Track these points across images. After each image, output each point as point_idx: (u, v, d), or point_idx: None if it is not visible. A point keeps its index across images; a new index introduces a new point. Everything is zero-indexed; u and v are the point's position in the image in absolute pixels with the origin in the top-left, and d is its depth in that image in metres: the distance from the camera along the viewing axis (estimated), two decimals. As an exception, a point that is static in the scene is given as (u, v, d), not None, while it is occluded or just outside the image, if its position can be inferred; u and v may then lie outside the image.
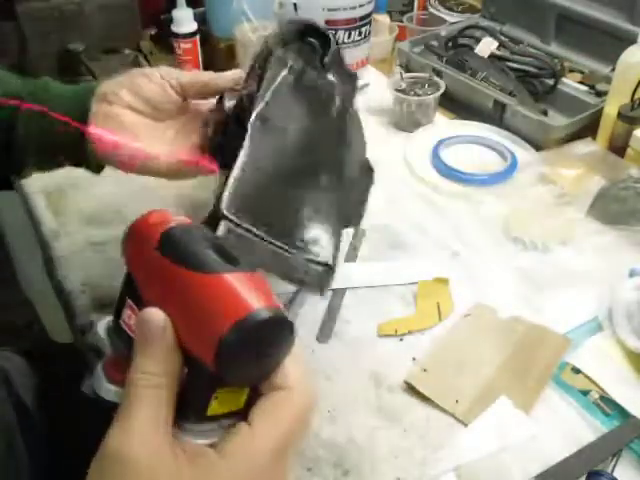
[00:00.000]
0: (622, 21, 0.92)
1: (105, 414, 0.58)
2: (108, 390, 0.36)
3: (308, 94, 0.60)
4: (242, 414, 0.34)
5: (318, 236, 0.53)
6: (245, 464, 0.32)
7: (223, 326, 0.30)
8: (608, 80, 0.90)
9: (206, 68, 1.05)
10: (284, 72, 0.59)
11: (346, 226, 0.60)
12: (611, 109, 0.84)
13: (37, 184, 0.85)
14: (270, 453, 0.32)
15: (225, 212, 0.46)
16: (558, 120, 0.91)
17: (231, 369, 0.31)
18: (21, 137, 0.56)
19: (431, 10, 1.19)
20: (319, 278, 0.52)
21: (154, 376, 0.32)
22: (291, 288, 0.68)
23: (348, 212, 0.60)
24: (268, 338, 0.32)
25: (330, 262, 0.52)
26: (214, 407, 0.33)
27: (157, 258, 0.34)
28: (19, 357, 0.74)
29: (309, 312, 0.67)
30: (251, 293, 0.31)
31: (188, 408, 0.33)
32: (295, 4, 1.03)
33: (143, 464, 0.30)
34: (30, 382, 0.71)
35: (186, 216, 0.37)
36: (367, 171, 0.67)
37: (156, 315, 0.33)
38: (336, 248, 0.54)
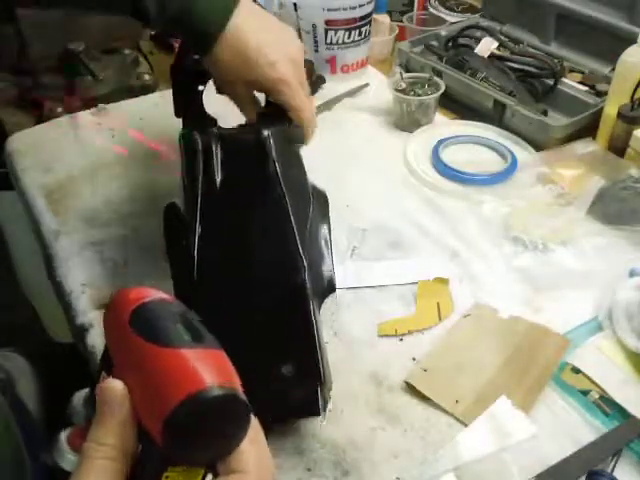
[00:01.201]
0: (622, 21, 0.92)
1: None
2: (69, 460, 0.36)
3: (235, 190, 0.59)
4: None
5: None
6: None
7: (173, 400, 0.30)
8: (608, 80, 0.90)
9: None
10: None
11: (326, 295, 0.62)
12: (611, 109, 0.84)
13: (37, 184, 0.85)
14: None
15: None
16: (558, 120, 0.91)
17: (179, 445, 0.31)
18: None
19: (431, 10, 1.19)
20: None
21: (106, 447, 0.31)
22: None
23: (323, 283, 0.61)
24: (220, 417, 0.31)
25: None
26: None
27: (126, 330, 0.33)
28: (20, 357, 0.74)
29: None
30: (207, 370, 0.31)
31: None
32: (295, 4, 1.04)
33: None
34: (30, 382, 0.71)
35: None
36: (322, 205, 0.66)
37: (115, 386, 0.32)
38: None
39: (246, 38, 0.62)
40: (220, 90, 0.71)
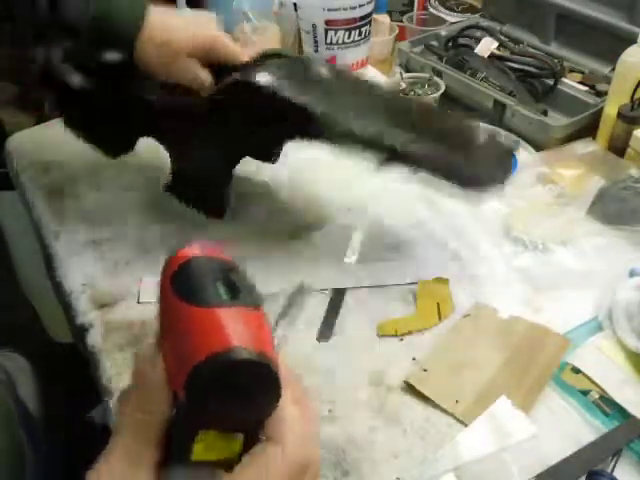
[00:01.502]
0: (622, 21, 0.92)
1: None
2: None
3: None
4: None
5: None
6: None
7: (196, 358, 0.29)
8: (608, 80, 0.90)
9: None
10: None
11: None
12: (611, 109, 0.84)
13: (37, 184, 0.85)
14: None
15: None
16: (558, 120, 0.91)
17: (201, 403, 0.30)
18: None
19: (431, 10, 1.19)
20: None
21: (137, 412, 0.32)
22: (290, 288, 0.69)
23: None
24: (244, 381, 0.30)
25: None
26: (199, 452, 0.32)
27: (167, 291, 0.33)
28: (20, 357, 0.74)
29: (309, 312, 0.67)
30: (236, 331, 0.30)
31: (174, 450, 0.32)
32: (295, 4, 1.04)
33: None
34: (30, 382, 0.71)
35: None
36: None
37: (146, 350, 0.33)
38: None
39: (169, 22, 0.68)
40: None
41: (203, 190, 0.75)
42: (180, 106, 0.70)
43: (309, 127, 0.63)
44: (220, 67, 0.70)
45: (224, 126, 0.69)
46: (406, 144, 0.63)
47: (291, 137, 0.69)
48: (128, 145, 0.76)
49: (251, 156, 0.74)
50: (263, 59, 0.70)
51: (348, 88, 0.70)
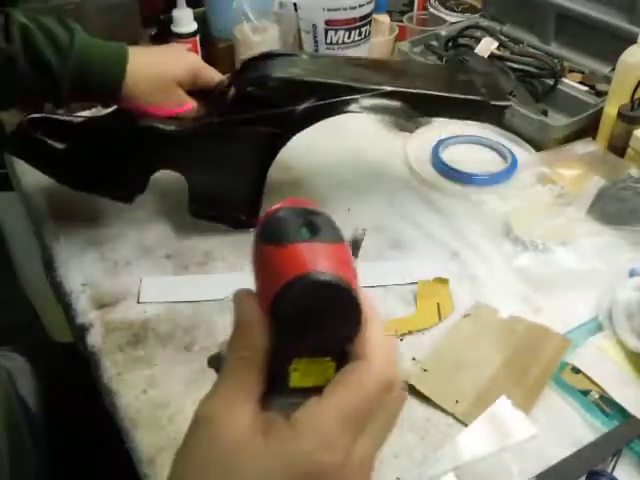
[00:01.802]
0: (622, 21, 0.92)
1: (105, 414, 0.57)
2: None
3: None
4: None
5: None
6: (310, 435, 0.31)
7: (281, 282, 0.31)
8: (608, 80, 0.90)
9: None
10: None
11: None
12: (611, 109, 0.84)
13: (37, 184, 0.85)
14: (336, 425, 0.31)
15: None
16: (558, 120, 0.91)
17: (286, 328, 0.32)
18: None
19: (431, 10, 1.19)
20: None
21: (240, 349, 0.33)
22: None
23: None
24: (325, 303, 0.32)
25: None
26: (296, 379, 0.34)
27: (257, 239, 0.35)
28: (20, 357, 0.74)
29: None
30: (316, 259, 0.32)
31: (274, 381, 0.34)
32: (295, 4, 1.04)
33: (218, 426, 0.32)
34: (30, 381, 0.71)
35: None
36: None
37: (241, 290, 0.35)
38: None
39: (152, 58, 0.74)
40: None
41: (231, 207, 0.76)
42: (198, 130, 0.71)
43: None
44: (203, 91, 0.76)
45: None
46: (392, 84, 0.70)
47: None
48: (142, 185, 0.75)
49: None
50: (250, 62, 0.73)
51: (333, 62, 0.78)
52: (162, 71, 0.73)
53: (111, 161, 0.72)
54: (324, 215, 0.35)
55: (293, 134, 0.71)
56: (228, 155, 0.71)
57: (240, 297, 0.35)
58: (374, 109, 0.69)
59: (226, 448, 0.31)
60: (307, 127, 0.70)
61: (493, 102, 0.72)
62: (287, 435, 0.31)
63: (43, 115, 0.70)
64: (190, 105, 0.75)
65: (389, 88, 0.69)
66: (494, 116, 0.74)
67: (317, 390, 0.33)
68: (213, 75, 0.77)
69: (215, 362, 0.38)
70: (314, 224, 0.34)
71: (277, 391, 0.34)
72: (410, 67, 0.88)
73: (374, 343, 0.34)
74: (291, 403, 0.33)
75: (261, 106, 0.68)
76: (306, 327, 0.32)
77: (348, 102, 0.68)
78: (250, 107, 0.68)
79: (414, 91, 0.71)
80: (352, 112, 0.69)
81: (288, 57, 0.75)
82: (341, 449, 0.31)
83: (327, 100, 0.68)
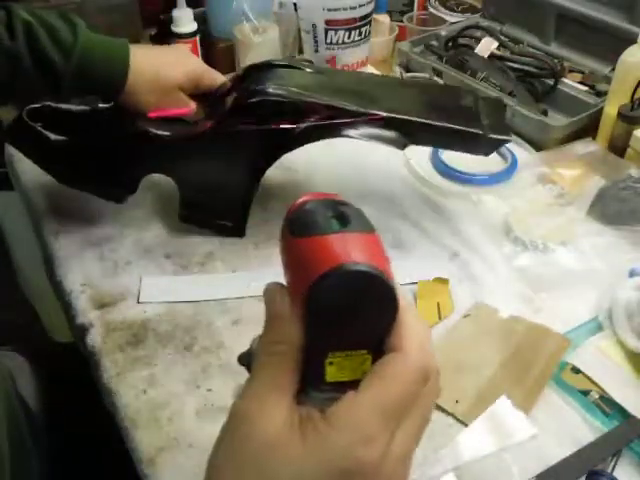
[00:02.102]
0: (622, 21, 0.92)
1: (105, 414, 0.57)
2: None
3: None
4: None
5: None
6: (347, 430, 0.30)
7: (313, 278, 0.31)
8: (608, 80, 0.90)
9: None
10: None
11: None
12: (611, 109, 0.84)
13: (37, 183, 0.85)
14: (374, 419, 0.31)
15: None
16: (558, 120, 0.91)
17: (321, 321, 0.32)
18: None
19: (431, 10, 1.19)
20: None
21: (273, 344, 0.33)
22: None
23: None
24: (360, 293, 0.31)
25: None
26: (332, 373, 0.33)
27: (285, 233, 0.35)
28: (19, 356, 0.74)
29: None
30: (348, 249, 0.31)
31: (309, 375, 0.33)
32: (295, 4, 1.04)
33: (252, 423, 0.31)
34: (30, 381, 0.71)
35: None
36: None
37: (272, 285, 0.34)
38: None
39: (155, 59, 0.74)
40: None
41: (221, 213, 0.76)
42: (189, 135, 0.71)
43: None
44: (205, 94, 0.76)
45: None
46: (390, 109, 0.68)
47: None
48: (133, 186, 0.75)
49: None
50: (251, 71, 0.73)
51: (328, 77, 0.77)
52: (163, 73, 0.73)
53: (104, 159, 0.72)
54: (352, 206, 0.35)
55: (284, 152, 0.71)
56: (220, 164, 0.71)
57: (271, 291, 0.34)
58: (369, 137, 0.68)
59: (261, 445, 0.31)
60: (300, 146, 0.70)
61: (493, 136, 0.69)
62: (323, 430, 0.31)
63: (43, 104, 0.69)
64: (188, 109, 0.75)
65: (384, 114, 0.67)
66: (491, 148, 0.71)
67: (354, 384, 0.33)
68: (215, 78, 0.77)
69: (245, 359, 0.37)
70: (344, 215, 0.34)
71: (313, 386, 0.33)
72: (415, 87, 0.84)
73: (409, 334, 0.33)
74: (327, 398, 0.33)
75: (256, 120, 0.67)
76: (341, 319, 0.32)
77: (340, 127, 0.67)
78: (245, 119, 0.68)
79: (411, 119, 0.68)
80: (345, 137, 0.68)
81: (291, 70, 0.74)
82: (379, 444, 0.31)
83: (320, 122, 0.67)
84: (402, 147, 0.69)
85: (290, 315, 0.33)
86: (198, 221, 0.76)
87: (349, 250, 0.31)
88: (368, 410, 0.31)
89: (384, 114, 0.67)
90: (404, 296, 0.34)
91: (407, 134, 0.68)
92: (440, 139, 0.71)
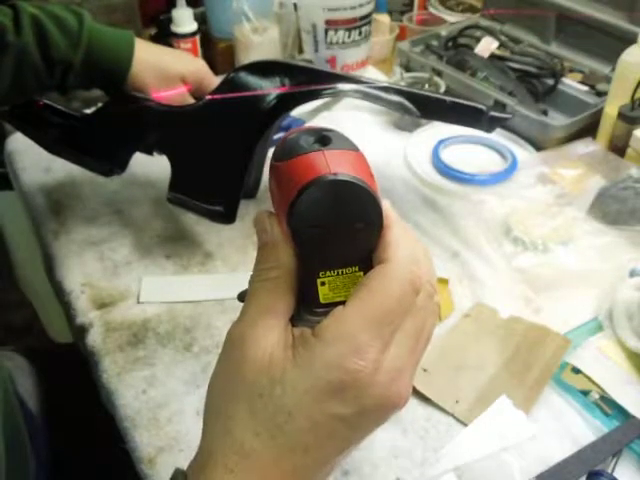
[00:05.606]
0: (622, 21, 0.92)
1: (105, 414, 0.57)
2: None
3: None
4: None
5: None
6: (337, 342, 0.30)
7: (297, 190, 0.31)
8: (608, 80, 0.90)
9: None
10: None
11: None
12: (611, 109, 0.84)
13: (37, 184, 0.85)
14: (363, 330, 0.30)
15: None
16: (558, 120, 0.91)
17: (306, 234, 0.32)
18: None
19: (431, 10, 1.19)
20: None
21: (265, 271, 0.33)
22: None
23: None
24: (345, 203, 0.31)
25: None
26: (325, 293, 0.33)
27: (271, 163, 0.35)
28: (19, 356, 0.74)
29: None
30: (332, 161, 0.31)
31: (303, 298, 0.34)
32: (295, 4, 1.04)
33: (247, 344, 0.32)
34: (30, 381, 0.71)
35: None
36: None
37: (262, 214, 0.34)
38: None
39: (160, 54, 0.75)
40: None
41: (211, 197, 0.74)
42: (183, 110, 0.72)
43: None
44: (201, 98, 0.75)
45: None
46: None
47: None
48: (124, 161, 0.75)
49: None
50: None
51: None
52: (168, 64, 0.74)
53: (101, 130, 0.72)
54: (337, 131, 0.35)
55: (271, 121, 0.71)
56: (212, 139, 0.71)
57: (260, 219, 0.34)
58: (371, 97, 0.69)
59: (255, 366, 0.31)
60: (284, 113, 0.71)
61: (495, 113, 0.71)
62: (314, 345, 0.31)
63: (48, 103, 0.71)
64: (183, 88, 0.75)
65: (385, 84, 0.69)
66: (493, 125, 0.73)
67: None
68: (216, 83, 0.76)
69: (245, 296, 0.37)
70: (326, 137, 0.33)
71: (308, 310, 0.34)
72: None
73: (397, 245, 0.33)
74: (321, 318, 0.32)
75: (241, 90, 0.69)
76: (327, 234, 0.32)
77: (335, 82, 0.68)
78: (232, 91, 0.69)
79: (413, 90, 0.71)
80: (348, 96, 0.70)
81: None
82: (370, 355, 0.30)
83: (304, 87, 0.68)
84: (403, 112, 0.71)
85: (280, 240, 0.33)
86: (186, 204, 0.74)
87: (328, 163, 0.31)
88: (357, 321, 0.31)
89: (385, 84, 0.69)
90: (391, 211, 0.34)
91: (412, 102, 0.70)
92: (444, 113, 0.73)
